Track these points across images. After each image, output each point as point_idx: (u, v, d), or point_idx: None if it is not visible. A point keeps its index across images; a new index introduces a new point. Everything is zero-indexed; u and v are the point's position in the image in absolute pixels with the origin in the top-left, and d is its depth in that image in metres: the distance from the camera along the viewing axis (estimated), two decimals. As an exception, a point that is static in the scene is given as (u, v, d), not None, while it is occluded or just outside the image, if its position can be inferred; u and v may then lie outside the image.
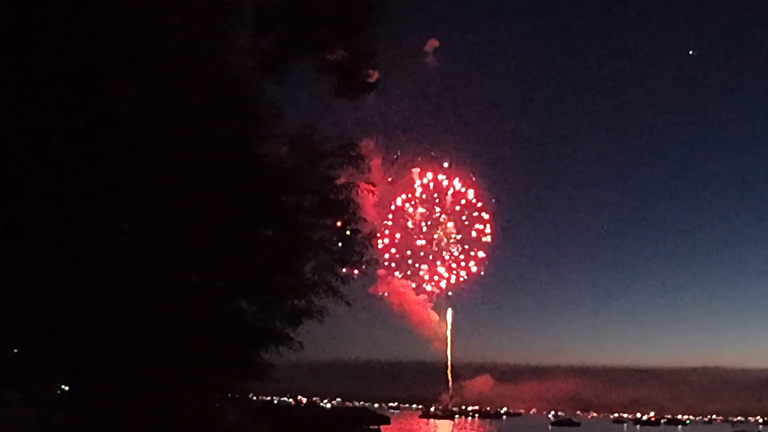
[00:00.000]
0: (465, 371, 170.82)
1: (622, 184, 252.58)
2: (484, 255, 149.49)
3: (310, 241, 15.38)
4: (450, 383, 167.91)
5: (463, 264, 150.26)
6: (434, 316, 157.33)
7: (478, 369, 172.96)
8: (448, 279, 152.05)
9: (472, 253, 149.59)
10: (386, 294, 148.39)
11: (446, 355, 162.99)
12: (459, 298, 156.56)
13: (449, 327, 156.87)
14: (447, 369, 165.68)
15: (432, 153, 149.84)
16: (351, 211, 15.50)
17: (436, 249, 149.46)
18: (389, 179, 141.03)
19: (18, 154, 11.33)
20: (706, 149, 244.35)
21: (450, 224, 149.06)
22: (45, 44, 11.19)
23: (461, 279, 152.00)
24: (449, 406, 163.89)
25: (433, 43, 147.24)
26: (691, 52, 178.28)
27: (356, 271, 16.14)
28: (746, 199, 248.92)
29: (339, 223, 15.63)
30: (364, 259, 16.03)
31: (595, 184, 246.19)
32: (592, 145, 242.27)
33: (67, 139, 11.68)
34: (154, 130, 12.49)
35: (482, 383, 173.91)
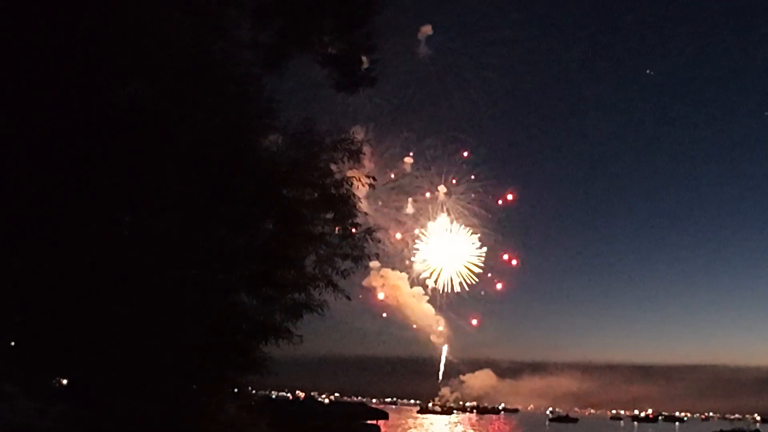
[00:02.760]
0: (466, 367, 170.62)
1: (620, 183, 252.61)
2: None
3: (310, 235, 15.39)
4: (444, 379, 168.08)
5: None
6: (430, 309, 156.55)
7: (479, 365, 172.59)
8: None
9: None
10: (381, 287, 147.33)
11: (444, 350, 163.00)
12: (460, 294, 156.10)
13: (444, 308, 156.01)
14: (445, 364, 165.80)
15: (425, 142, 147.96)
16: (351, 205, 15.50)
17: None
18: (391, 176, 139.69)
19: (19, 149, 11.34)
20: (696, 154, 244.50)
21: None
22: (46, 40, 11.20)
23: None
24: (447, 402, 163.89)
25: (426, 30, 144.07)
26: (648, 72, 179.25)
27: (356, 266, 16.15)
28: (745, 201, 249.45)
29: (339, 217, 15.63)
30: (364, 254, 16.05)
31: (597, 181, 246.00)
32: (584, 142, 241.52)
33: (67, 134, 11.69)
34: (154, 124, 12.49)
35: (483, 379, 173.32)
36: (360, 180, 15.53)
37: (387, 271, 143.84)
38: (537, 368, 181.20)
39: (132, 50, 11.90)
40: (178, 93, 12.82)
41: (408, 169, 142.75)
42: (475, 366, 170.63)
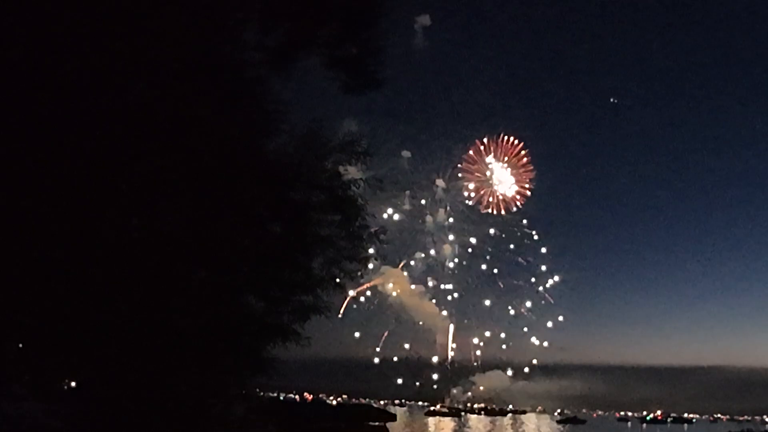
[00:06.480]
0: (477, 368, 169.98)
1: (630, 184, 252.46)
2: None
3: (317, 237, 15.39)
4: (454, 379, 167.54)
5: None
6: (434, 308, 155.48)
7: (491, 366, 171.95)
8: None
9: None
10: (382, 285, 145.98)
11: (450, 350, 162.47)
12: (471, 294, 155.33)
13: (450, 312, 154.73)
14: (454, 365, 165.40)
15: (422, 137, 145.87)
16: (358, 207, 15.50)
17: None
18: None
19: (27, 149, 11.38)
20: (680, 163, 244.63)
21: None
22: (53, 40, 11.23)
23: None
24: (457, 404, 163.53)
25: (423, 21, 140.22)
26: (612, 100, 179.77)
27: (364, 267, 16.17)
28: (756, 203, 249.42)
29: (346, 219, 15.63)
30: (371, 255, 16.06)
31: (606, 181, 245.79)
32: (589, 139, 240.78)
33: (75, 135, 11.72)
34: (161, 125, 12.52)
35: (494, 380, 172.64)
36: (366, 182, 15.53)
37: (388, 269, 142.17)
38: (549, 370, 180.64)
39: (138, 51, 11.93)
40: (185, 94, 12.83)
41: (405, 164, 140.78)
42: (487, 367, 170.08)
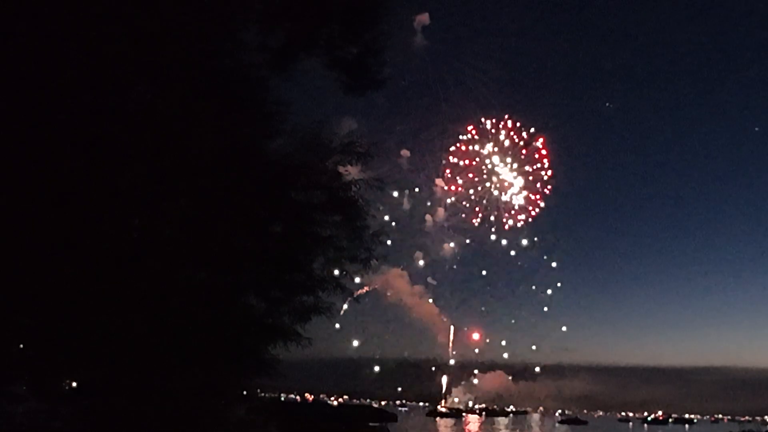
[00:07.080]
0: (478, 368, 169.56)
1: (632, 185, 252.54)
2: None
3: (318, 238, 15.38)
4: (456, 380, 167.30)
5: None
6: (434, 308, 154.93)
7: (492, 366, 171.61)
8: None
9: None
10: (381, 285, 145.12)
11: (451, 350, 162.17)
12: (471, 293, 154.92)
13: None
14: (456, 365, 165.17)
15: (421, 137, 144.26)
16: (359, 207, 15.49)
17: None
18: None
19: (28, 149, 11.38)
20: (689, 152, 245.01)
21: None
22: (54, 41, 11.24)
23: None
24: (458, 404, 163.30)
25: (422, 20, 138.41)
26: (607, 104, 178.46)
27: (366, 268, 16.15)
28: (758, 204, 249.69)
29: (347, 220, 15.62)
30: (372, 256, 16.04)
31: (606, 182, 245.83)
32: (591, 138, 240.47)
33: (77, 135, 11.73)
34: (162, 126, 12.52)
35: (496, 381, 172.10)
36: (367, 182, 15.51)
37: (388, 270, 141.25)
38: (551, 371, 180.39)
39: (139, 52, 11.94)
40: (186, 95, 12.84)
41: (405, 163, 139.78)
42: (488, 367, 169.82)
